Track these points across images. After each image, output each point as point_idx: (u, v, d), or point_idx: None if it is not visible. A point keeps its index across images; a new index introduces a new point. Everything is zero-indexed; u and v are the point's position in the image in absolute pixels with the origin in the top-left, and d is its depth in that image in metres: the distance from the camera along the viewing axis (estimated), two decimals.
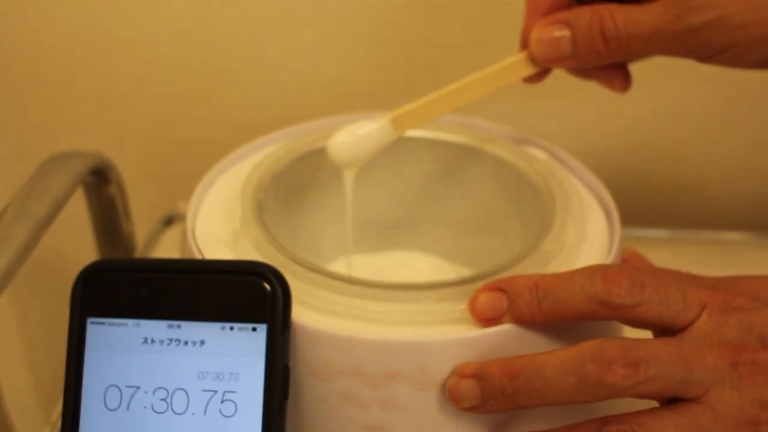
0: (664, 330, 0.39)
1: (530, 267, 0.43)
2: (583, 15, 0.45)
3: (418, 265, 0.58)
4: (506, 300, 0.40)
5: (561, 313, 0.39)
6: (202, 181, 0.51)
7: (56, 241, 0.85)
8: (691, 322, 0.39)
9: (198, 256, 0.45)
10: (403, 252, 0.59)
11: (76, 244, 0.82)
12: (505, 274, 0.42)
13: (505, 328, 0.40)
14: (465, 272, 0.56)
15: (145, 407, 0.40)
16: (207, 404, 0.39)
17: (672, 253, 0.68)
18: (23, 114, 0.79)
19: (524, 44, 0.49)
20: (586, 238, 0.47)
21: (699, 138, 0.75)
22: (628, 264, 0.40)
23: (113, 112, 0.77)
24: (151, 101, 0.77)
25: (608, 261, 0.45)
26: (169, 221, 0.70)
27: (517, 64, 0.48)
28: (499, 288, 0.40)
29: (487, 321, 0.40)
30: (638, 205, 0.79)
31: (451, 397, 0.40)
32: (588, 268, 0.40)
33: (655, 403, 0.39)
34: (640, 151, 0.76)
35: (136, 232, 0.74)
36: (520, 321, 0.40)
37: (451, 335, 0.40)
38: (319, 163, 0.53)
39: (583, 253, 0.46)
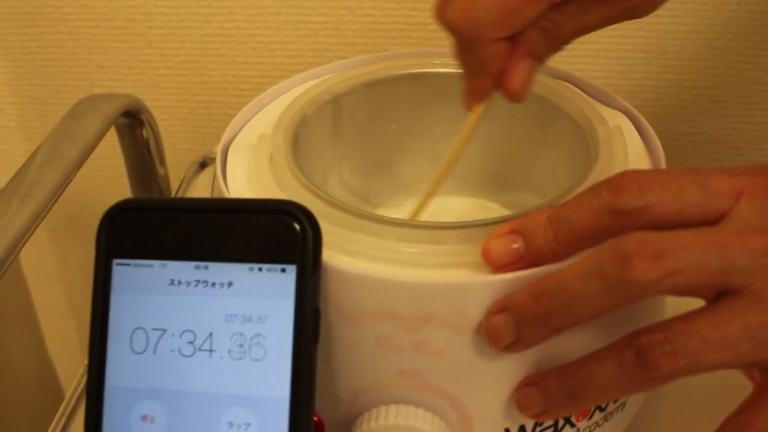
0: (695, 225, 0.36)
1: None
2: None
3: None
4: (522, 241, 0.38)
5: (578, 237, 0.37)
6: (235, 118, 0.50)
7: (94, 184, 0.85)
8: (727, 211, 0.36)
9: (226, 196, 0.43)
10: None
11: (114, 187, 0.81)
12: None
13: (541, 269, 0.38)
14: None
15: (172, 350, 0.39)
16: (235, 347, 0.38)
17: None
18: (59, 58, 0.78)
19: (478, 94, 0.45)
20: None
21: (744, 78, 0.72)
22: (631, 170, 0.37)
23: (148, 55, 0.76)
24: (185, 43, 0.75)
25: None
26: (203, 164, 0.69)
27: (481, 113, 0.46)
28: (512, 230, 0.38)
29: (507, 267, 0.38)
30: (685, 152, 0.76)
31: (489, 336, 0.38)
32: (592, 186, 0.38)
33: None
34: (687, 90, 0.73)
35: (171, 176, 0.73)
36: (542, 260, 0.38)
37: (487, 277, 0.38)
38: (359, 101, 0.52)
39: None
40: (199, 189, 0.67)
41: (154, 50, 0.76)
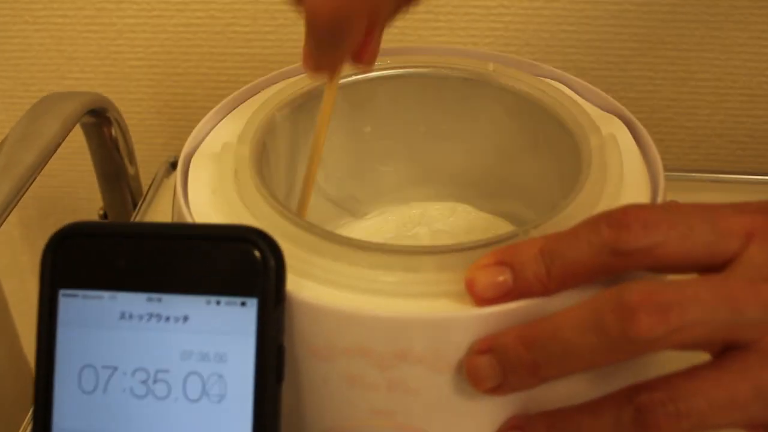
0: (706, 271, 0.33)
1: (556, 229, 0.38)
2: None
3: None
4: (510, 274, 0.34)
5: (573, 275, 0.34)
6: (199, 124, 0.46)
7: (68, 180, 0.82)
8: (737, 255, 0.33)
9: (186, 216, 0.40)
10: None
11: (88, 183, 0.78)
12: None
13: (530, 302, 0.35)
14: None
15: (123, 390, 0.35)
16: (192, 388, 0.34)
17: (721, 199, 0.61)
18: (26, 49, 0.74)
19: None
20: (623, 188, 0.41)
21: (747, 69, 0.69)
22: (637, 204, 0.34)
23: (119, 45, 0.72)
24: (158, 34, 0.71)
25: None
26: (176, 164, 0.65)
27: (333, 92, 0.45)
28: (500, 261, 0.35)
29: (491, 301, 0.35)
30: (683, 146, 0.73)
31: (470, 377, 0.35)
32: (591, 218, 0.34)
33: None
34: (686, 82, 0.70)
35: (147, 172, 0.69)
36: (530, 294, 0.34)
37: (470, 310, 0.35)
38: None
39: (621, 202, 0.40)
40: (171, 190, 0.63)
41: (125, 41, 0.72)
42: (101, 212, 0.68)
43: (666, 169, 0.43)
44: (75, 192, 0.82)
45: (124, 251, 0.35)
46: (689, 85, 0.69)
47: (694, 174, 0.63)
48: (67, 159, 0.79)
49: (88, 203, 0.82)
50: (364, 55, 0.42)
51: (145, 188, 0.67)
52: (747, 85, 0.69)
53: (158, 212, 0.61)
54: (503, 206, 0.52)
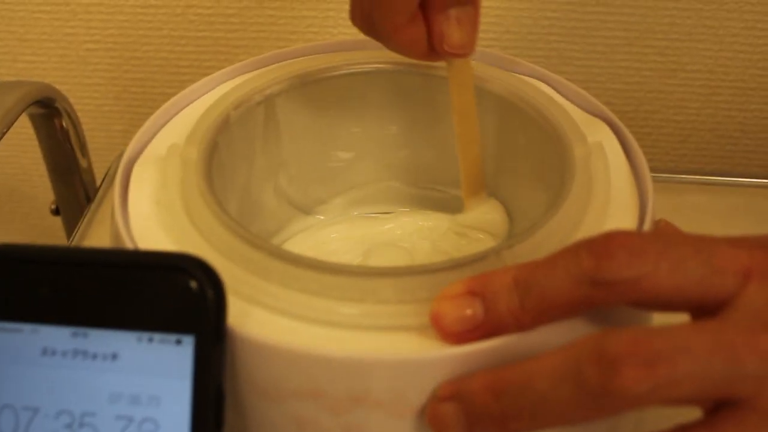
0: (697, 311, 0.30)
1: (533, 249, 0.34)
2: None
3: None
4: (480, 306, 0.31)
5: (550, 309, 0.30)
6: (144, 126, 0.42)
7: (23, 167, 0.77)
8: (733, 295, 0.29)
9: (123, 236, 0.36)
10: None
11: (44, 170, 0.74)
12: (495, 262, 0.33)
13: (503, 340, 0.31)
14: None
15: None
16: None
17: (708, 203, 0.58)
18: None
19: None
20: (609, 204, 0.38)
21: (740, 61, 0.65)
22: (619, 231, 0.30)
23: (74, 27, 0.68)
24: (114, 15, 0.67)
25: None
26: None
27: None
28: (469, 291, 0.31)
29: (459, 336, 0.31)
30: (671, 140, 0.69)
31: (432, 426, 0.31)
32: (571, 246, 0.30)
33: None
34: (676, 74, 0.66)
35: (103, 162, 0.65)
36: (502, 329, 0.31)
37: (433, 351, 0.31)
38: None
39: (604, 224, 0.37)
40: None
41: (79, 22, 0.68)
42: (53, 206, 0.64)
43: (653, 169, 0.39)
44: (30, 180, 0.78)
45: (48, 279, 0.32)
46: (679, 76, 0.65)
47: (682, 176, 0.59)
48: (21, 144, 0.75)
49: (44, 192, 0.78)
50: (434, 36, 0.39)
51: (99, 180, 0.63)
52: (740, 77, 0.65)
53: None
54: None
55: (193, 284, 0.30)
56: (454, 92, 0.42)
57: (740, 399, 0.28)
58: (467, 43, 0.39)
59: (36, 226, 0.81)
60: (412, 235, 0.47)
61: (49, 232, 0.82)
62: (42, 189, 0.78)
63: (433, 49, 0.40)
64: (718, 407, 0.28)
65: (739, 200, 0.59)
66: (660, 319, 0.31)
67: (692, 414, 0.29)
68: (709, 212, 0.58)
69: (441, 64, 0.42)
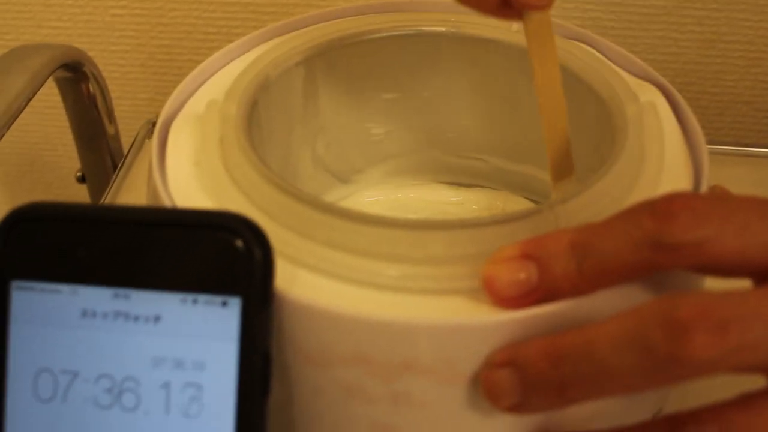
0: (762, 276, 0.29)
1: (587, 206, 0.33)
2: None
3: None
4: (535, 270, 0.30)
5: (609, 273, 0.29)
6: (180, 85, 0.41)
7: (46, 135, 0.76)
8: None
9: (162, 196, 0.35)
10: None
11: (68, 139, 0.73)
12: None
13: (559, 305, 0.30)
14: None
15: (85, 399, 0.30)
16: (164, 400, 0.30)
17: (746, 174, 0.57)
18: None
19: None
20: (663, 162, 0.36)
21: None
22: (681, 192, 0.29)
23: None
24: None
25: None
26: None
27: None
28: (524, 254, 0.30)
29: (513, 301, 0.30)
30: (707, 113, 0.67)
31: (486, 393, 0.30)
32: (631, 208, 0.29)
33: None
34: (714, 45, 0.64)
35: (128, 130, 0.64)
36: (558, 295, 0.30)
37: (486, 315, 0.30)
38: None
39: (658, 186, 0.35)
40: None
41: None
42: (79, 174, 0.63)
43: None
44: (54, 149, 0.77)
45: (88, 239, 0.30)
46: (717, 47, 0.64)
47: (720, 147, 0.58)
48: (44, 114, 0.73)
49: (68, 161, 0.77)
50: None
51: (125, 148, 0.62)
52: None
53: (140, 176, 0.56)
54: (529, 175, 0.47)
55: (240, 244, 0.29)
56: (534, 57, 0.36)
57: None
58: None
59: (59, 195, 0.80)
60: (482, 213, 0.46)
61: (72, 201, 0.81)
62: (66, 158, 0.78)
63: (506, 2, 0.35)
64: None
65: None
66: (711, 283, 0.30)
67: (754, 382, 0.28)
68: (746, 184, 0.56)
69: (484, 23, 0.41)
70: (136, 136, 0.59)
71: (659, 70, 0.44)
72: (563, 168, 0.38)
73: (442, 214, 0.48)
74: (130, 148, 0.58)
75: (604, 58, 0.42)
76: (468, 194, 0.49)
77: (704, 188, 0.35)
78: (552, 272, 0.29)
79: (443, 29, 0.44)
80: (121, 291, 0.30)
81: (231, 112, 0.38)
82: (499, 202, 0.48)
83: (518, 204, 0.48)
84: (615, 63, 0.42)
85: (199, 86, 0.41)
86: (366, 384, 0.31)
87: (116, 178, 0.57)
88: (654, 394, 0.34)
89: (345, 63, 0.44)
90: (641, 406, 0.34)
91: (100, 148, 0.60)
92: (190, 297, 0.30)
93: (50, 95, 0.59)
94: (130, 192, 0.55)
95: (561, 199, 0.33)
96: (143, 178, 0.55)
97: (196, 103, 0.40)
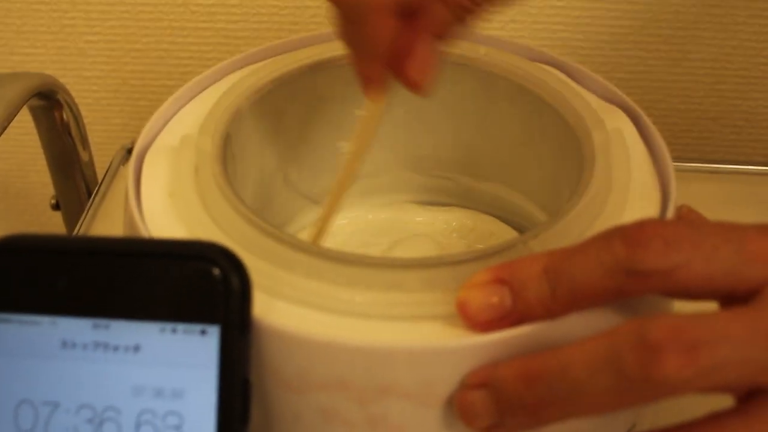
0: (728, 299, 0.30)
1: (558, 238, 0.34)
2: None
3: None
4: (509, 294, 0.30)
5: (581, 298, 0.30)
6: (154, 116, 0.41)
7: (18, 161, 0.76)
8: (762, 284, 0.29)
9: (139, 226, 0.35)
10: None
11: (41, 165, 0.73)
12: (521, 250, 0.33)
13: (532, 327, 0.30)
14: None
15: (66, 429, 0.31)
16: (145, 428, 0.30)
17: (713, 191, 0.58)
18: None
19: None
20: (629, 191, 0.37)
21: (745, 50, 0.64)
22: (652, 219, 0.30)
23: (72, 18, 0.67)
24: (114, 6, 0.66)
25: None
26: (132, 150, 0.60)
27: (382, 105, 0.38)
28: (497, 279, 0.30)
29: (486, 324, 0.30)
30: (675, 129, 0.68)
31: (460, 414, 0.30)
32: (602, 234, 0.30)
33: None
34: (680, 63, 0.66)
35: (102, 156, 0.64)
36: (531, 318, 0.30)
37: (462, 339, 0.30)
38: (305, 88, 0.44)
39: (625, 211, 0.36)
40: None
41: (78, 13, 0.67)
42: (53, 201, 0.63)
43: None
44: (26, 176, 0.77)
45: (66, 270, 0.31)
46: (683, 65, 0.65)
47: (686, 164, 0.59)
48: (17, 139, 0.74)
49: (41, 188, 0.77)
50: (409, 69, 0.36)
51: (101, 174, 0.62)
52: (744, 66, 0.64)
53: (115, 203, 0.56)
54: (495, 195, 0.48)
55: (218, 273, 0.30)
56: (368, 120, 0.39)
57: None
58: (428, 76, 0.36)
59: (32, 221, 0.80)
60: (453, 233, 0.47)
61: (45, 228, 0.81)
62: (38, 185, 0.78)
63: (391, 64, 0.36)
64: (750, 395, 0.28)
65: (743, 188, 0.59)
66: (678, 305, 0.31)
67: (723, 401, 0.29)
68: (713, 200, 0.57)
69: None
70: (111, 163, 0.59)
71: (627, 88, 0.45)
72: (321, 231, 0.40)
73: (412, 236, 0.48)
74: (104, 175, 0.58)
75: (571, 82, 0.42)
76: (438, 214, 0.50)
77: (671, 209, 0.36)
78: (525, 296, 0.30)
79: None
80: (101, 321, 0.30)
81: (206, 147, 0.38)
82: (468, 221, 0.49)
83: (487, 223, 0.48)
84: (582, 85, 0.43)
85: (173, 116, 0.42)
86: (344, 408, 0.31)
87: (91, 205, 0.57)
88: (627, 412, 0.34)
89: (313, 87, 0.45)
90: (614, 424, 0.34)
91: (74, 174, 0.60)
92: (169, 326, 0.30)
93: (21, 121, 0.59)
94: (105, 219, 0.55)
95: (533, 234, 0.34)
96: (118, 205, 0.56)
97: (170, 134, 0.40)
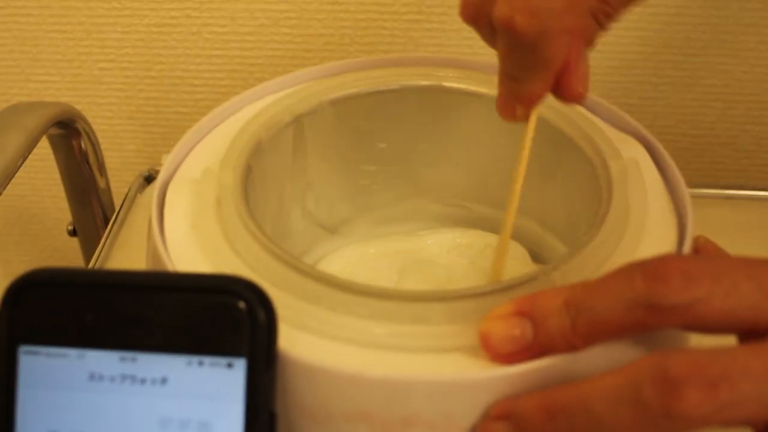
0: (747, 333, 0.30)
1: (578, 269, 0.34)
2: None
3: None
4: (530, 326, 0.31)
5: (601, 331, 0.30)
6: (176, 147, 0.42)
7: (33, 188, 0.77)
8: None
9: (164, 259, 0.36)
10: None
11: (56, 191, 0.74)
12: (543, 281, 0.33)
13: (553, 360, 0.31)
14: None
15: None
16: None
17: (726, 216, 0.58)
18: None
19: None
20: (646, 222, 0.37)
21: (756, 75, 0.65)
22: (672, 254, 0.30)
23: (88, 47, 0.68)
24: (129, 34, 0.67)
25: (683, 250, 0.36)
26: (149, 178, 0.61)
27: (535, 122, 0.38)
28: (519, 311, 0.31)
29: (508, 357, 0.31)
30: (686, 155, 0.69)
31: None
32: (623, 268, 0.30)
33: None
34: (692, 88, 0.66)
35: (116, 183, 0.65)
36: (551, 350, 0.31)
37: (484, 372, 0.31)
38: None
39: (643, 241, 0.37)
40: (144, 206, 0.59)
41: (94, 41, 0.68)
42: (70, 228, 0.63)
43: None
44: (41, 201, 0.77)
45: (94, 303, 0.31)
46: (695, 91, 0.66)
47: (699, 190, 0.59)
48: (33, 166, 0.74)
49: (56, 213, 0.77)
50: (574, 82, 0.36)
51: (116, 200, 0.63)
52: (755, 91, 0.65)
53: (132, 231, 0.57)
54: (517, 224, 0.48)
55: (244, 306, 0.30)
56: (528, 140, 0.39)
57: None
58: (588, 85, 0.37)
59: (47, 247, 0.81)
60: (450, 252, 0.47)
61: (59, 254, 0.82)
62: (53, 210, 0.78)
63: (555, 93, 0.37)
64: None
65: (756, 214, 0.59)
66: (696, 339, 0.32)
67: None
68: (726, 226, 0.58)
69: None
70: (128, 190, 0.60)
71: (639, 114, 0.46)
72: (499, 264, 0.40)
73: (416, 262, 0.48)
74: (122, 203, 0.59)
75: (586, 112, 0.43)
76: (433, 237, 0.50)
77: (688, 240, 0.36)
78: (547, 329, 0.31)
79: (427, 83, 0.46)
80: (128, 354, 0.31)
81: (228, 180, 0.39)
82: (464, 239, 0.49)
83: (483, 237, 0.48)
84: (598, 115, 0.43)
85: (193, 147, 0.42)
86: None
87: (110, 232, 0.58)
88: None
89: (333, 119, 0.45)
90: None
91: (91, 201, 0.61)
92: (195, 359, 0.30)
93: (37, 148, 0.60)
94: (124, 247, 0.55)
95: (554, 266, 0.34)
96: (136, 232, 0.57)
97: (191, 166, 0.41)
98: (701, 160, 0.69)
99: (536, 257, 0.47)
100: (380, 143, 0.48)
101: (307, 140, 0.45)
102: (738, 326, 0.29)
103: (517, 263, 0.45)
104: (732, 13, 0.61)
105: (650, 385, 0.27)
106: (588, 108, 0.44)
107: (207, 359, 0.30)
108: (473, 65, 0.46)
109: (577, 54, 0.36)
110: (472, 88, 0.45)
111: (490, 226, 0.49)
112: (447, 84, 0.46)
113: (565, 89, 0.36)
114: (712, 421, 0.27)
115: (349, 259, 0.47)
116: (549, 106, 0.43)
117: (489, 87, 0.45)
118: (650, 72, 0.65)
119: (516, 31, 0.34)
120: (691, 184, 0.59)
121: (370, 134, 0.47)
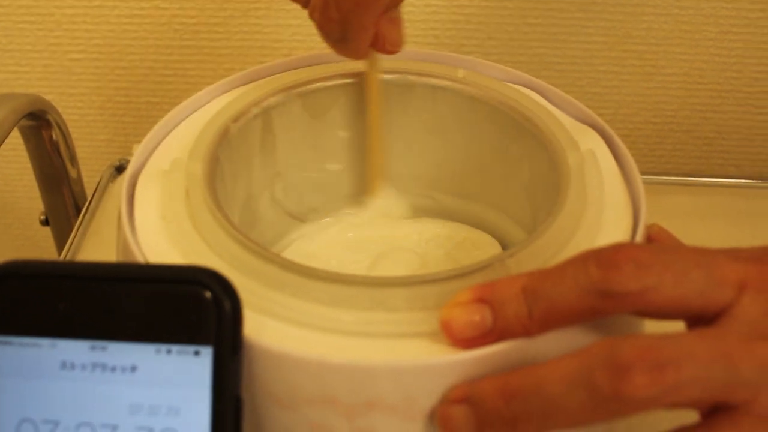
0: (696, 319, 0.31)
1: (534, 257, 0.35)
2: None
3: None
4: (489, 313, 0.32)
5: (557, 317, 0.31)
6: (144, 139, 0.43)
7: (4, 177, 0.77)
8: (729, 306, 0.31)
9: (134, 250, 0.36)
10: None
11: (28, 180, 0.74)
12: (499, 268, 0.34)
13: (511, 345, 0.32)
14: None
15: None
16: None
17: (686, 203, 0.60)
18: None
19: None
20: (603, 211, 0.39)
21: (716, 65, 0.67)
22: (626, 243, 0.32)
23: (58, 37, 0.68)
24: (99, 25, 0.67)
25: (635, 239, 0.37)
26: (120, 168, 0.62)
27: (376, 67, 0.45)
28: (478, 298, 0.32)
29: (468, 342, 0.32)
30: (649, 142, 0.70)
31: (442, 427, 0.32)
32: (578, 256, 0.32)
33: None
34: (653, 77, 0.67)
35: (88, 172, 0.66)
36: (510, 336, 0.32)
37: (444, 357, 0.32)
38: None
39: (600, 231, 0.38)
40: (116, 197, 0.60)
41: (64, 32, 0.68)
42: (42, 217, 0.64)
43: None
44: (13, 191, 0.78)
45: (65, 294, 0.32)
46: (656, 80, 0.67)
47: (660, 177, 0.61)
48: (4, 156, 0.75)
49: (28, 202, 0.78)
50: (387, 46, 0.43)
51: (87, 189, 0.63)
52: (715, 80, 0.66)
53: (103, 220, 0.58)
54: (473, 213, 0.49)
55: (210, 296, 0.31)
56: (373, 86, 0.45)
57: (735, 404, 0.29)
58: (401, 40, 0.43)
59: (19, 236, 0.81)
60: (429, 242, 0.48)
61: (31, 243, 0.82)
62: (25, 199, 0.79)
63: (370, 49, 0.43)
64: (714, 411, 0.30)
65: (715, 200, 0.61)
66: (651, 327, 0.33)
67: (689, 416, 0.31)
68: (686, 212, 0.59)
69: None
70: (99, 180, 0.60)
71: (602, 102, 0.47)
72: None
73: (394, 249, 0.49)
74: (93, 193, 0.60)
75: (546, 103, 0.44)
76: (415, 226, 0.51)
77: (641, 227, 0.38)
78: (505, 315, 0.32)
79: (393, 77, 0.47)
80: (99, 343, 0.32)
81: (196, 171, 0.39)
82: (444, 230, 0.50)
83: (463, 231, 0.50)
84: (557, 106, 0.44)
85: (163, 138, 0.43)
86: (332, 422, 0.33)
87: (81, 222, 0.59)
88: (601, 426, 0.36)
89: (301, 111, 0.46)
90: None
91: (62, 191, 0.62)
92: (164, 347, 0.31)
93: (9, 137, 0.60)
94: (97, 235, 0.56)
95: (510, 253, 0.35)
96: (107, 222, 0.57)
97: (161, 157, 0.42)
98: (663, 147, 0.70)
99: (507, 248, 0.48)
100: (347, 130, 0.49)
101: (275, 132, 0.46)
102: (687, 312, 0.31)
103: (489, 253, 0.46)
104: (692, 4, 0.63)
105: (601, 369, 0.29)
106: (549, 100, 0.45)
107: (175, 347, 0.31)
108: (439, 58, 0.47)
109: (385, 22, 0.42)
110: (435, 83, 0.46)
111: (456, 216, 0.50)
112: (411, 79, 0.47)
113: (380, 50, 0.43)
114: (659, 403, 0.29)
115: (326, 243, 0.48)
116: (509, 99, 0.44)
117: (450, 81, 0.46)
118: (613, 62, 0.67)
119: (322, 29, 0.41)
120: (653, 171, 0.61)
121: (338, 126, 0.48)
